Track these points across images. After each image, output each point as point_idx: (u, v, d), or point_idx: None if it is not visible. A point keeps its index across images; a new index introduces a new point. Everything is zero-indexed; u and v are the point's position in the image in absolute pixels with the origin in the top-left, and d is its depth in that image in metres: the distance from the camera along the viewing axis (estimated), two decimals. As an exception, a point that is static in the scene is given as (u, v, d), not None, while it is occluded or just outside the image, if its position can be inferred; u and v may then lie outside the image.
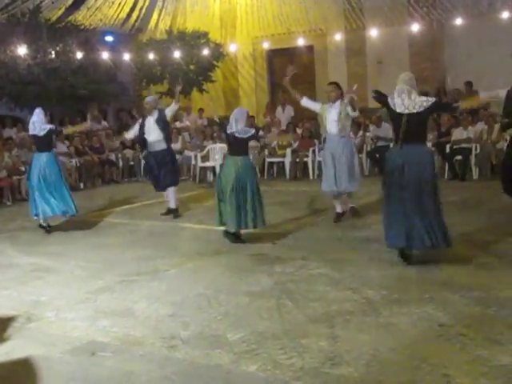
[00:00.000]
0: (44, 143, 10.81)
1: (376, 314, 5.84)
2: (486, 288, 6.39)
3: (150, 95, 12.78)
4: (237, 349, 5.19)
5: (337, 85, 10.21)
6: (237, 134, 9.01)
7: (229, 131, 9.11)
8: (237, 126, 9.00)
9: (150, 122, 11.41)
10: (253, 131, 9.18)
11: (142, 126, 11.51)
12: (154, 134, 11.38)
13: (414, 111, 7.21)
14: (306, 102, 10.28)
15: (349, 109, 9.82)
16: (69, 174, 16.25)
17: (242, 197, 8.90)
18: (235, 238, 9.07)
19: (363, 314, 5.87)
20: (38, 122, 10.64)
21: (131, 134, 12.23)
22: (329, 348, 5.07)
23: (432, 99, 7.47)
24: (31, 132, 10.87)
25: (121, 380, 4.80)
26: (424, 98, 7.32)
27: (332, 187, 10.06)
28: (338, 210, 10.35)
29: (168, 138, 11.69)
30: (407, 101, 7.23)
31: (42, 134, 10.63)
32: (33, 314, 6.42)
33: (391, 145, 15.88)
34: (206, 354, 5.14)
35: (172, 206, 11.67)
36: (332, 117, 9.96)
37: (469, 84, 18.13)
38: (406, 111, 7.23)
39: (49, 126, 10.74)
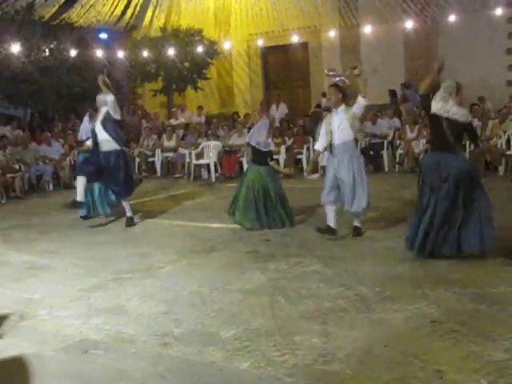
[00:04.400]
0: None
1: (369, 310, 5.85)
2: (479, 284, 6.39)
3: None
4: (230, 346, 5.19)
5: (337, 87, 8.84)
6: (257, 146, 9.90)
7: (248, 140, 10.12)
8: (257, 138, 9.90)
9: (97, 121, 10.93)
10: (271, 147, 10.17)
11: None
12: (100, 133, 10.73)
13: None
14: (318, 146, 9.09)
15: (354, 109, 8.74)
16: (62, 171, 16.27)
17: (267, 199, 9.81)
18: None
19: (356, 310, 5.87)
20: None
21: (83, 134, 12.02)
22: (321, 345, 5.07)
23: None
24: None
25: (113, 378, 4.80)
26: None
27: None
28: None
29: (118, 139, 10.72)
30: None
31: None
32: (26, 312, 6.40)
33: (385, 142, 15.97)
34: (198, 351, 5.14)
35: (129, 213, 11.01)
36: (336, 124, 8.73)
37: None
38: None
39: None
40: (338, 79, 9.14)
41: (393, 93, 19.82)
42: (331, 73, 9.42)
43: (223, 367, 4.82)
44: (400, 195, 12.06)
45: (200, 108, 21.16)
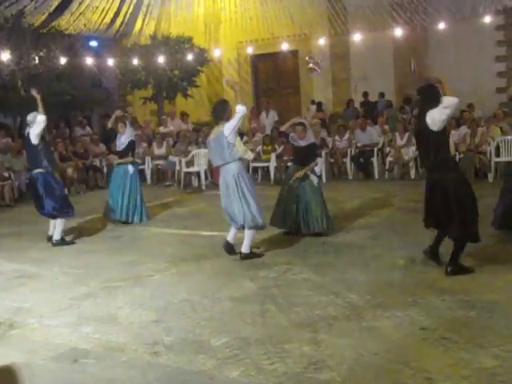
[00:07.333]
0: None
1: (359, 318, 5.85)
2: (468, 292, 6.41)
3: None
4: (220, 354, 5.18)
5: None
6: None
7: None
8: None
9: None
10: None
11: None
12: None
13: None
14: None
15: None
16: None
17: None
18: None
19: (346, 318, 5.88)
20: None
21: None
22: (312, 353, 5.08)
23: None
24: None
25: (103, 387, 4.79)
26: None
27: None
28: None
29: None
30: None
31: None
32: (15, 321, 6.39)
33: (375, 149, 16.01)
34: (189, 359, 5.14)
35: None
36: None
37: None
38: None
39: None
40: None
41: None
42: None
43: (213, 375, 4.81)
44: (390, 202, 12.08)
45: (186, 115, 21.01)
